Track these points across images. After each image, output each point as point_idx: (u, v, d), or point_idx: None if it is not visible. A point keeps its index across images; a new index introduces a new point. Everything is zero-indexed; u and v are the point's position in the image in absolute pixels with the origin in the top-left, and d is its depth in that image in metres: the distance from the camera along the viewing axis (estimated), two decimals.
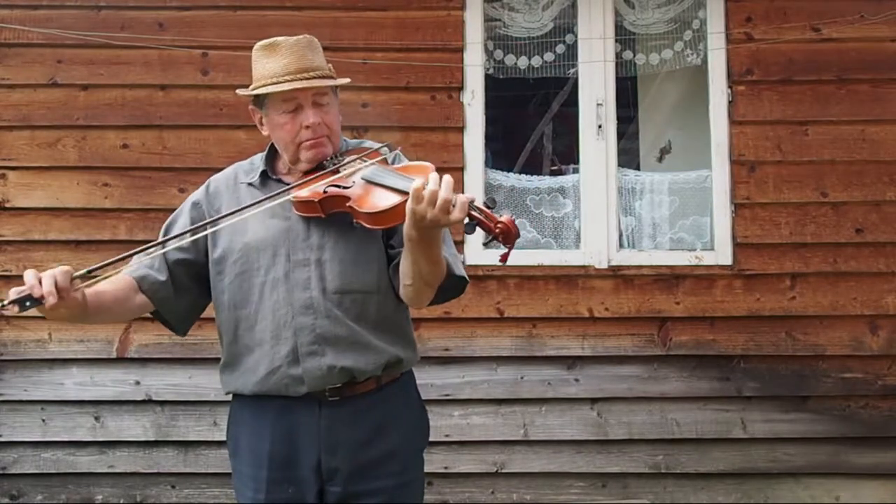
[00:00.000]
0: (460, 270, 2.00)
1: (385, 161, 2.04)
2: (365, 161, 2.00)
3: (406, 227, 1.79)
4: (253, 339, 2.03)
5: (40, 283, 1.78)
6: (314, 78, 1.99)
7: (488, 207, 1.73)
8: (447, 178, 1.75)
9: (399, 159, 2.11)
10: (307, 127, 2.01)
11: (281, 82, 1.99)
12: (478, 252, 3.71)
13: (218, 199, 2.13)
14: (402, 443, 2.07)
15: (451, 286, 1.99)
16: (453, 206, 1.73)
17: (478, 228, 1.73)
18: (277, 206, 2.03)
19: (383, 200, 1.85)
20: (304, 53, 2.01)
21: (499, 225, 1.71)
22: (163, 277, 2.10)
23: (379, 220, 1.87)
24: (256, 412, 2.06)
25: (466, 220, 1.73)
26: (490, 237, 1.72)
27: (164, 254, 2.10)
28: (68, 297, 1.80)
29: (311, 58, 2.01)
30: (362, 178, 1.94)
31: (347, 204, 1.92)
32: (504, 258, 1.80)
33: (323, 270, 2.00)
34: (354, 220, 1.93)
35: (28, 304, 1.77)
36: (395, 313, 2.06)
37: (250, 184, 2.12)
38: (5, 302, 1.78)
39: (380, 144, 2.12)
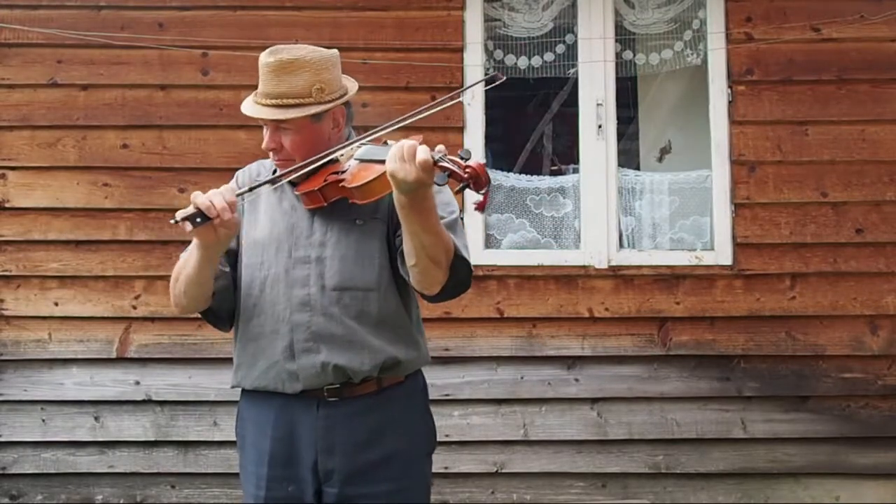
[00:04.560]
0: (466, 254, 1.97)
1: (385, 142, 2.04)
2: (358, 143, 2.01)
3: (395, 196, 1.79)
4: (253, 332, 2.06)
5: (211, 200, 1.84)
6: (268, 106, 1.99)
7: (462, 158, 1.71)
8: (418, 138, 1.78)
9: None
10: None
11: (255, 101, 2.04)
12: (478, 252, 3.72)
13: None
14: (403, 447, 2.05)
15: (462, 273, 1.95)
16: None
17: (450, 179, 1.70)
18: (286, 203, 2.07)
19: (370, 173, 1.89)
20: (271, 78, 1.99)
21: (467, 170, 1.67)
22: (226, 268, 2.12)
23: (367, 193, 1.90)
24: (260, 409, 2.08)
25: (438, 172, 1.71)
26: (462, 185, 1.69)
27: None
28: (234, 214, 1.87)
29: (276, 83, 1.98)
30: (356, 160, 1.97)
31: (341, 185, 1.95)
32: (480, 206, 1.74)
33: (323, 268, 2.01)
34: (350, 200, 1.96)
35: (199, 220, 1.84)
36: (398, 313, 2.05)
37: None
38: (177, 218, 1.85)
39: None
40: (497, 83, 2.07)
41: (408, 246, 1.89)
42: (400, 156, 1.73)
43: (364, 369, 2.00)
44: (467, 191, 1.71)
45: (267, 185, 2.06)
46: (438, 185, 1.70)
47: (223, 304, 2.13)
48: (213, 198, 1.85)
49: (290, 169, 2.03)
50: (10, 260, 3.70)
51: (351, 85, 2.12)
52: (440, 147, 1.75)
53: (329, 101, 2.02)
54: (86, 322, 3.69)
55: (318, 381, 2.00)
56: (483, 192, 1.70)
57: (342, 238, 2.02)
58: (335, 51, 2.10)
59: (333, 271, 2.01)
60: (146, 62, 3.75)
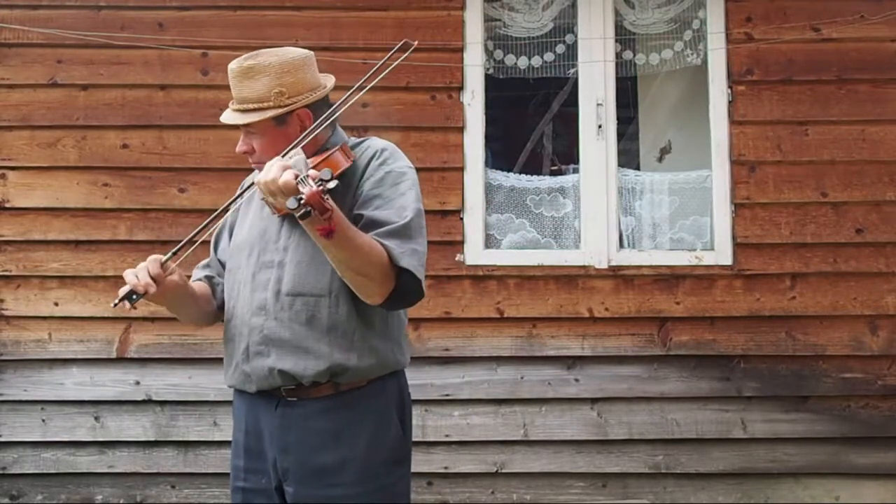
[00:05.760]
0: (407, 263, 1.93)
1: (343, 150, 2.02)
2: (297, 155, 1.98)
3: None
4: (229, 334, 2.13)
5: (137, 276, 1.96)
6: (234, 111, 2.06)
7: (321, 181, 1.69)
8: (281, 162, 1.84)
9: (380, 157, 2.09)
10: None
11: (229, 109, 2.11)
12: (478, 252, 3.72)
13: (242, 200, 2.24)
14: (360, 452, 2.01)
15: (407, 283, 1.95)
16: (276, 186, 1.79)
17: (300, 202, 1.69)
18: (266, 208, 2.10)
19: None
20: (235, 84, 2.05)
21: (301, 196, 1.68)
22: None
23: (277, 210, 1.95)
24: (238, 405, 2.16)
25: (294, 195, 1.71)
26: (304, 210, 1.68)
27: (218, 259, 2.27)
28: (164, 281, 1.98)
29: (240, 88, 2.04)
30: None
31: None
32: (322, 232, 1.74)
33: (282, 272, 2.04)
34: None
35: (134, 297, 1.96)
36: (349, 319, 2.01)
37: None
38: (115, 301, 1.98)
39: (382, 143, 2.14)
40: (409, 51, 2.07)
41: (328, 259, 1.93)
42: (264, 180, 1.80)
43: (308, 374, 1.99)
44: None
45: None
46: (290, 209, 1.69)
47: None
48: (138, 274, 1.96)
49: (248, 187, 2.06)
50: (10, 260, 3.71)
51: (328, 83, 2.13)
52: (313, 171, 1.75)
53: (289, 105, 2.04)
54: (86, 322, 3.69)
55: (268, 383, 2.03)
56: (324, 217, 1.70)
57: (301, 243, 2.03)
58: (306, 53, 2.10)
59: (289, 276, 2.03)
60: (146, 62, 3.75)
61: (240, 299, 2.09)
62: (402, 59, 2.07)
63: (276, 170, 1.80)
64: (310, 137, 2.02)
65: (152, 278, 1.95)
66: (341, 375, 2.01)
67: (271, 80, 2.02)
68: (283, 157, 1.95)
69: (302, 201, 1.66)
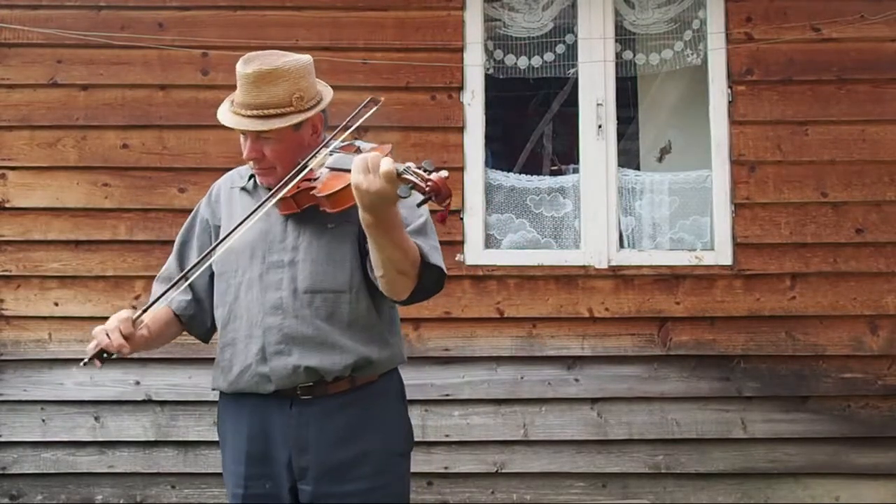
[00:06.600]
0: (437, 260, 1.98)
1: (358, 151, 2.05)
2: (329, 151, 2.02)
3: (360, 214, 1.81)
4: (228, 337, 2.11)
5: (108, 335, 1.94)
6: (248, 117, 2.00)
7: (425, 170, 1.71)
8: (385, 148, 1.87)
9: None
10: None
11: (233, 111, 2.05)
12: (478, 252, 3.72)
13: (218, 208, 2.21)
14: (376, 446, 2.05)
15: (430, 279, 1.97)
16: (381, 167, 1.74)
17: (413, 191, 1.70)
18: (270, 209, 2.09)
19: (339, 182, 1.90)
20: (251, 89, 1.99)
21: (429, 183, 1.68)
22: (188, 296, 2.22)
23: (336, 202, 1.93)
24: (236, 409, 2.12)
25: (401, 184, 1.72)
26: (424, 197, 1.69)
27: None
28: (136, 338, 1.99)
29: (257, 93, 1.99)
30: (327, 168, 1.99)
31: (311, 192, 1.97)
32: (441, 218, 1.75)
33: (295, 271, 2.04)
34: (320, 208, 1.98)
35: (105, 355, 1.97)
36: (369, 313, 2.06)
37: (243, 188, 2.19)
38: (86, 359, 1.98)
39: (371, 145, 2.15)
40: (375, 108, 2.12)
41: (374, 259, 1.92)
42: (364, 167, 1.74)
43: (335, 369, 2.01)
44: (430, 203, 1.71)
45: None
46: (402, 197, 1.70)
47: (200, 327, 2.26)
48: (110, 333, 1.94)
49: (270, 194, 2.05)
50: (10, 260, 3.70)
51: (325, 90, 2.13)
52: (408, 163, 1.76)
53: (309, 109, 2.04)
54: (86, 322, 3.66)
55: (290, 381, 2.02)
56: (444, 204, 1.71)
57: (314, 241, 2.04)
58: (309, 56, 2.10)
59: (305, 274, 2.03)
60: (146, 62, 3.75)
61: (242, 302, 2.08)
62: (368, 114, 2.10)
63: (387, 162, 1.74)
64: (332, 137, 2.05)
65: (125, 337, 1.94)
66: (364, 369, 2.04)
67: (290, 84, 2.01)
68: (306, 158, 2.00)
69: (429, 187, 1.68)
